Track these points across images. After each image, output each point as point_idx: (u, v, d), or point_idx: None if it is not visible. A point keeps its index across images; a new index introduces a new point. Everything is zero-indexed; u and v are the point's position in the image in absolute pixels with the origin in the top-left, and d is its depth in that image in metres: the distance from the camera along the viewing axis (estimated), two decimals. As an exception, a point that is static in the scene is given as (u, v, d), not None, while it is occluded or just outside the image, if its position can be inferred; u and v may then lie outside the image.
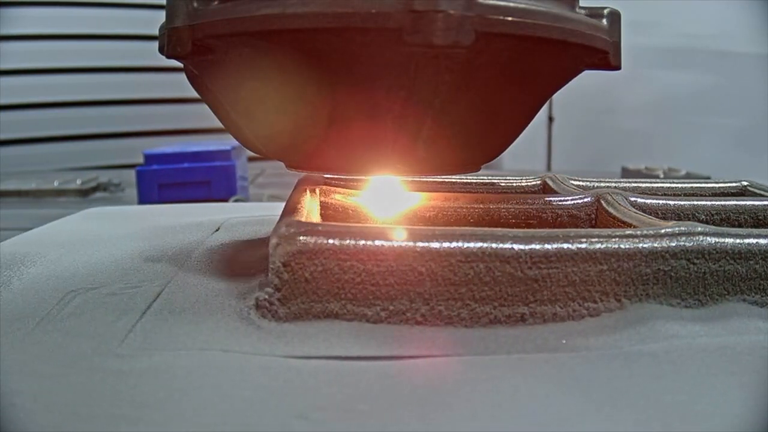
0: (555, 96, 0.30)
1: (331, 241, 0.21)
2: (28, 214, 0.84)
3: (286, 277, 0.21)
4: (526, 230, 0.22)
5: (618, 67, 0.27)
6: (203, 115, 0.29)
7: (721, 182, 0.37)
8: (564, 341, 0.21)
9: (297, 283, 0.21)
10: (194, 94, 0.30)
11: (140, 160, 0.73)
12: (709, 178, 0.94)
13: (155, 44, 0.26)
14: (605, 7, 0.26)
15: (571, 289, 0.22)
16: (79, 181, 1.00)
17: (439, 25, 0.21)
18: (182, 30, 0.24)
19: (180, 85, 0.28)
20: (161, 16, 0.25)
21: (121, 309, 0.24)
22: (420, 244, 0.21)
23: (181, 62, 0.26)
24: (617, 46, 0.26)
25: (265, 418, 0.16)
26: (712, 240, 0.23)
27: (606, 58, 0.26)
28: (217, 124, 0.30)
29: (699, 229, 0.23)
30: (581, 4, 0.26)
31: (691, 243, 0.23)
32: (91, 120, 1.48)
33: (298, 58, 0.23)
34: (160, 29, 0.25)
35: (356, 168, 0.27)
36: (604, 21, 0.26)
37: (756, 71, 1.45)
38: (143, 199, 0.70)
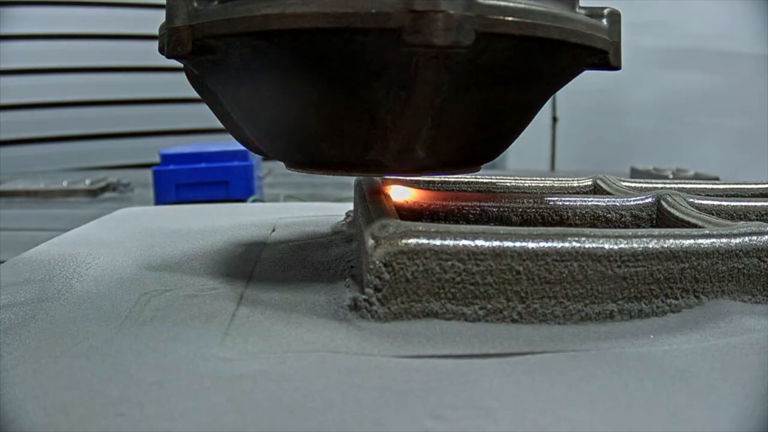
0: (559, 96, 0.30)
1: (432, 241, 0.22)
2: (38, 214, 0.85)
3: (387, 278, 0.22)
4: (614, 230, 0.23)
5: (618, 67, 0.26)
6: (209, 116, 0.29)
7: (761, 183, 0.39)
8: (651, 336, 0.22)
9: (398, 284, 0.22)
10: (196, 94, 0.30)
11: (148, 160, 0.73)
12: (717, 178, 0.93)
13: (153, 45, 0.26)
14: (605, 7, 0.26)
15: (656, 287, 0.23)
16: (88, 181, 1.00)
17: (439, 25, 0.21)
18: (182, 30, 0.24)
19: (185, 85, 0.28)
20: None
21: (207, 312, 0.24)
22: (518, 243, 0.22)
23: (181, 62, 0.26)
24: (617, 46, 0.26)
25: (397, 419, 0.16)
26: None
27: (606, 58, 0.26)
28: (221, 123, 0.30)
29: (767, 228, 0.24)
30: (581, 4, 0.26)
31: (762, 242, 0.24)
32: (98, 120, 1.49)
33: (299, 58, 0.23)
34: (160, 29, 0.25)
35: (356, 168, 0.27)
36: (604, 21, 0.26)
37: (761, 72, 1.44)
38: (160, 200, 0.70)
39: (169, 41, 0.24)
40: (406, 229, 0.22)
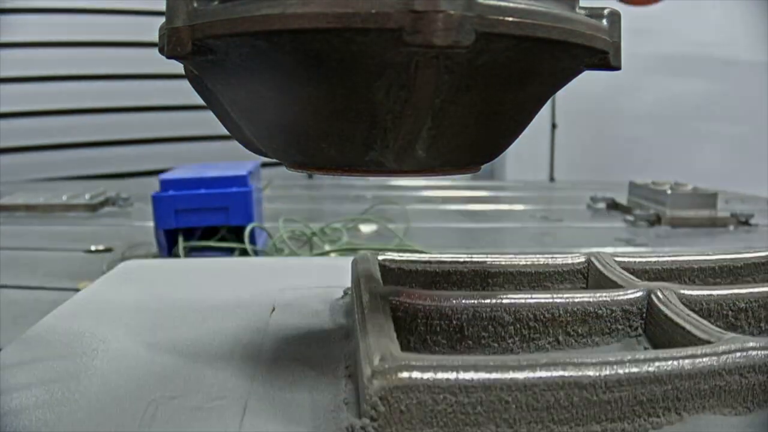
0: (558, 102, 0.30)
1: (425, 375, 0.23)
2: (38, 231, 0.85)
3: (382, 410, 0.23)
4: (599, 356, 0.24)
5: (618, 68, 0.27)
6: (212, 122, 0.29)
7: (758, 252, 0.40)
8: None
9: (392, 415, 0.23)
10: (194, 101, 0.30)
11: (148, 167, 0.74)
12: (715, 195, 0.93)
13: (153, 51, 0.26)
14: (605, 8, 0.26)
15: (639, 408, 0.24)
16: (87, 196, 1.00)
17: (439, 26, 0.21)
18: (182, 30, 0.24)
19: (177, 92, 0.28)
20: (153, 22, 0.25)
21: (215, 426, 0.25)
22: (507, 375, 0.23)
23: (181, 62, 0.26)
24: (617, 46, 0.26)
25: None
26: (762, 354, 0.25)
27: (606, 58, 0.26)
28: (219, 130, 0.30)
29: (750, 344, 0.25)
30: (581, 4, 0.26)
31: (743, 359, 0.25)
32: (99, 127, 1.49)
33: (298, 58, 0.23)
34: (160, 30, 0.25)
35: (356, 168, 0.27)
36: (604, 21, 0.26)
37: (761, 78, 1.45)
38: (160, 225, 0.71)
39: (169, 41, 0.24)
40: (403, 363, 0.23)
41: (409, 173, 0.27)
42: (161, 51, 0.25)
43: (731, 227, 0.91)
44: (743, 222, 0.92)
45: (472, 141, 0.27)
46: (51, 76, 1.43)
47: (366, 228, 0.95)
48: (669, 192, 0.94)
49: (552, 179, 1.69)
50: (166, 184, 0.71)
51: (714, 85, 1.58)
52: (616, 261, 0.38)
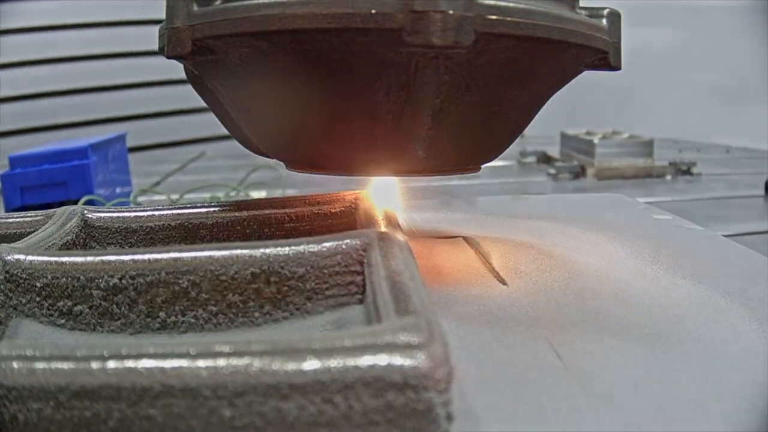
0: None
1: None
2: None
3: None
4: None
5: (618, 68, 0.27)
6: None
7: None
8: None
9: None
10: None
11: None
12: (651, 142, 0.87)
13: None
14: (605, 8, 0.26)
15: None
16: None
17: (439, 26, 0.21)
18: (182, 30, 0.24)
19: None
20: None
21: None
22: None
23: (181, 62, 0.26)
24: (617, 46, 0.26)
25: None
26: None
27: (606, 58, 0.26)
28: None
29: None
30: (581, 4, 0.26)
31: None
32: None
33: (298, 58, 0.23)
34: (160, 30, 0.25)
35: (356, 168, 0.27)
36: (604, 21, 0.26)
37: (731, 23, 1.44)
38: (9, 204, 0.70)
39: (169, 41, 0.24)
40: None
41: (409, 173, 0.27)
42: (161, 51, 0.25)
43: (668, 177, 0.84)
44: (685, 171, 0.85)
45: (472, 141, 0.27)
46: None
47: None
48: (596, 141, 0.87)
49: (522, 136, 1.67)
50: (14, 162, 0.70)
51: (684, 32, 1.57)
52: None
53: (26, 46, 1.40)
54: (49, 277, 0.22)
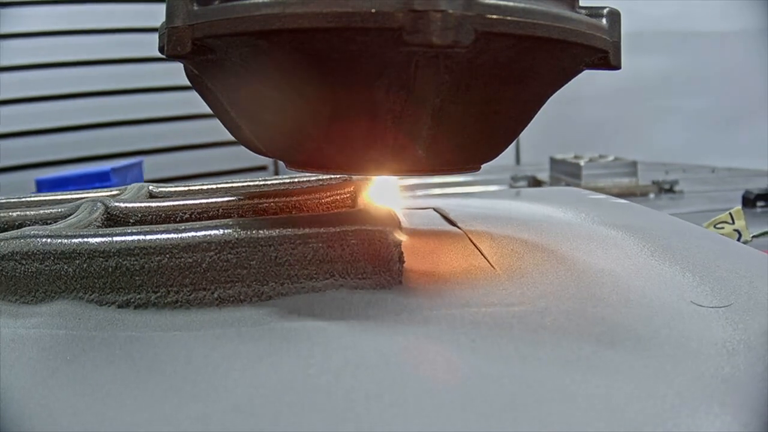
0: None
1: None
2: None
3: None
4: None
5: (618, 67, 0.27)
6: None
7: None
8: None
9: None
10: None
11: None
12: (635, 164, 0.92)
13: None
14: (605, 7, 0.26)
15: None
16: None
17: (439, 25, 0.21)
18: (182, 30, 0.24)
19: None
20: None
21: None
22: None
23: (181, 62, 0.26)
24: (617, 45, 0.26)
25: None
26: (42, 241, 0.25)
27: (606, 57, 0.26)
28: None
29: (32, 232, 0.25)
30: (581, 4, 0.26)
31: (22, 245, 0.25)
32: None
33: (298, 57, 0.23)
34: (160, 29, 0.25)
35: (356, 168, 0.27)
36: (604, 21, 0.26)
37: (720, 49, 1.45)
38: None
39: (169, 41, 0.24)
40: None
41: (409, 173, 0.27)
42: (161, 50, 0.25)
43: (651, 195, 0.90)
44: (667, 189, 0.90)
45: (472, 140, 0.27)
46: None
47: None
48: (582, 164, 0.93)
49: (518, 162, 1.69)
50: (40, 184, 0.76)
51: (674, 59, 1.58)
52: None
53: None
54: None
